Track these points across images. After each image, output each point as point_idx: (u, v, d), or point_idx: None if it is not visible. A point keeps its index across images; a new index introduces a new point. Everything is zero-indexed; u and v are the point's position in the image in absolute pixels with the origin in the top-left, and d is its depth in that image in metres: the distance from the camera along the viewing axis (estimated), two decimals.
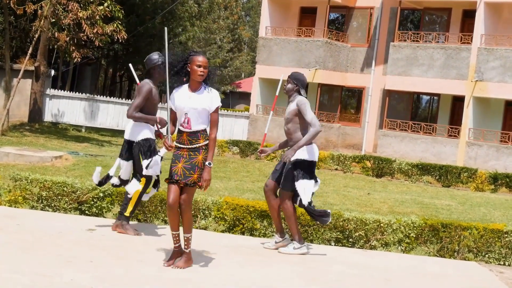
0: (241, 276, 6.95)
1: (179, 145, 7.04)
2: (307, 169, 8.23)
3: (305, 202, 8.15)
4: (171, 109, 7.03)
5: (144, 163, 8.34)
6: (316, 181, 8.33)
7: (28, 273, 6.12)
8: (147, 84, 8.46)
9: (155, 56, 8.61)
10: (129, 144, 8.53)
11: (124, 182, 8.58)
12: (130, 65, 9.78)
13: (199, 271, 6.91)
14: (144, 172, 8.34)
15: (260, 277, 7.02)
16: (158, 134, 8.43)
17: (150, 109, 8.53)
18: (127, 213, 8.41)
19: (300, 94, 8.44)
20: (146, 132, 8.45)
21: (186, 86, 7.06)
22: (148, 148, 8.39)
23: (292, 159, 8.18)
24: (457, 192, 19.84)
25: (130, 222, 8.75)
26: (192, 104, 6.98)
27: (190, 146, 7.03)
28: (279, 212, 8.44)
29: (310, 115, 8.23)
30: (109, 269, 6.60)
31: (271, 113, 9.20)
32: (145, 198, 8.60)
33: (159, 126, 8.42)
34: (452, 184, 21.16)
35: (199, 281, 6.56)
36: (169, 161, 7.46)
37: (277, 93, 9.15)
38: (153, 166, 8.35)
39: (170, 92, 7.01)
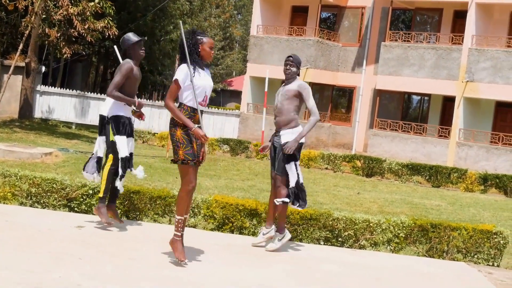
0: (230, 275, 6.94)
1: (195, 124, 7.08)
2: (297, 150, 8.33)
3: (295, 181, 8.26)
4: (179, 85, 7.01)
5: (117, 140, 8.41)
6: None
7: (17, 270, 6.09)
8: (127, 63, 8.54)
9: (129, 35, 8.72)
10: (102, 119, 8.62)
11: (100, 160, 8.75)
12: (115, 46, 9.80)
13: (187, 269, 6.89)
14: (121, 153, 8.41)
15: (250, 276, 7.01)
16: (139, 115, 8.70)
17: (130, 88, 8.62)
18: (100, 194, 8.47)
19: (298, 75, 8.60)
20: (119, 109, 8.52)
21: (185, 65, 7.07)
22: (118, 125, 8.46)
23: (282, 142, 8.27)
24: (447, 192, 19.89)
25: (124, 220, 8.73)
26: (210, 82, 7.22)
27: (199, 125, 7.10)
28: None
29: (312, 102, 8.38)
30: (98, 266, 6.58)
31: (265, 110, 9.20)
32: (140, 175, 8.62)
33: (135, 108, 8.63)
34: (442, 184, 21.21)
35: (188, 279, 6.55)
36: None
37: (266, 89, 9.17)
38: (122, 146, 8.42)
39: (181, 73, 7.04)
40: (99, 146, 8.71)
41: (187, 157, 6.95)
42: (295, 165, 8.31)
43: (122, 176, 8.48)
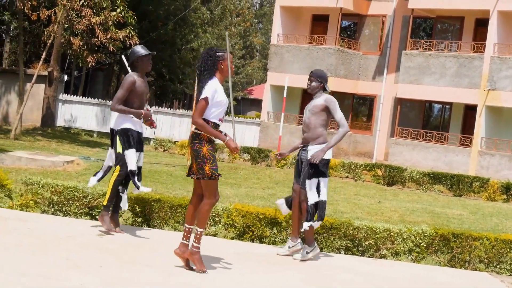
0: (249, 283, 6.94)
1: (214, 140, 7.13)
2: (324, 167, 8.34)
3: (314, 201, 8.25)
4: (208, 103, 7.03)
5: (126, 154, 8.49)
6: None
7: (36, 276, 6.13)
8: (130, 77, 8.68)
9: (138, 48, 8.85)
10: (112, 132, 8.74)
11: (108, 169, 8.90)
12: (123, 56, 9.90)
13: (208, 277, 6.90)
14: (129, 166, 8.50)
15: (269, 284, 7.01)
16: (150, 123, 8.81)
17: (135, 101, 8.69)
18: (104, 202, 8.54)
19: (325, 90, 8.61)
20: (127, 123, 8.61)
21: (217, 80, 7.15)
22: (127, 138, 8.54)
23: (309, 157, 8.29)
24: (469, 201, 19.76)
25: (142, 228, 8.76)
26: (227, 98, 7.25)
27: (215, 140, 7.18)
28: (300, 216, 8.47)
29: (339, 115, 8.39)
30: (117, 273, 6.60)
31: (283, 115, 9.24)
32: (145, 189, 8.67)
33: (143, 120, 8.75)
34: (463, 193, 21.07)
35: (205, 286, 6.56)
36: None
37: (284, 95, 9.23)
38: (130, 159, 8.50)
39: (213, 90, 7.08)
40: (110, 158, 8.82)
41: (214, 172, 6.99)
42: (318, 182, 8.29)
43: (127, 187, 8.70)
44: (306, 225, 8.21)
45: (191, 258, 7.08)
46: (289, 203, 8.59)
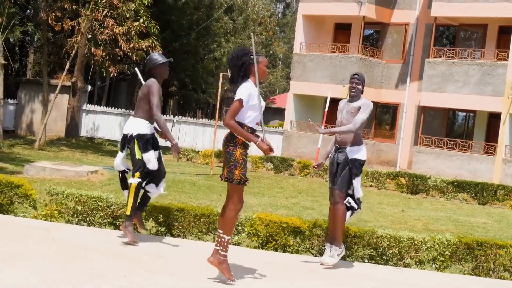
0: None
1: (249, 143, 7.10)
2: (361, 168, 8.54)
3: (359, 195, 8.57)
4: (242, 105, 6.99)
5: (144, 156, 8.51)
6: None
7: (61, 285, 6.17)
8: (155, 83, 8.67)
9: (156, 56, 8.89)
10: (125, 138, 8.71)
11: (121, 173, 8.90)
12: (137, 69, 10.01)
13: (235, 287, 6.91)
14: (150, 166, 8.54)
15: None
16: (165, 137, 8.77)
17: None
18: (127, 212, 8.49)
19: (362, 92, 8.80)
20: (144, 127, 8.61)
21: (252, 83, 7.10)
22: (145, 142, 8.55)
23: (351, 157, 8.48)
24: (493, 209, 19.61)
25: (166, 238, 8.79)
26: (263, 102, 7.23)
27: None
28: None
29: (362, 116, 8.54)
30: (141, 282, 6.63)
31: (322, 128, 9.35)
32: (153, 195, 8.74)
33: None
34: (488, 201, 20.92)
35: None
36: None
37: (326, 109, 9.28)
38: (150, 160, 8.52)
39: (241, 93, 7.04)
40: (122, 162, 8.83)
41: (243, 177, 6.96)
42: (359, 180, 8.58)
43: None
44: (349, 215, 8.60)
45: (219, 267, 7.03)
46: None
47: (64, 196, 9.37)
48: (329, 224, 8.70)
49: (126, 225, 8.50)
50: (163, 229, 9.31)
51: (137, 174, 8.56)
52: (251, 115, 7.05)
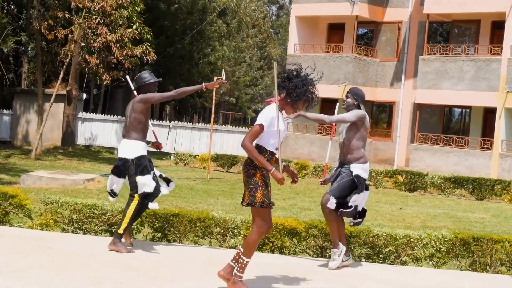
0: None
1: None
2: (362, 185, 8.50)
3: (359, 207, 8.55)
4: (263, 129, 6.84)
5: (140, 179, 8.48)
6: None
7: None
8: (141, 95, 8.68)
9: (145, 74, 8.89)
10: (122, 161, 8.64)
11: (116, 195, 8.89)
12: (127, 76, 10.05)
13: None
14: (146, 189, 8.50)
15: None
16: (157, 145, 9.00)
17: (146, 124, 8.73)
18: (120, 230, 8.42)
19: (359, 108, 8.75)
20: (140, 150, 8.62)
21: (275, 108, 6.92)
22: (142, 166, 8.54)
23: (355, 173, 8.47)
24: (491, 204, 19.64)
25: (162, 243, 8.80)
26: (285, 127, 7.14)
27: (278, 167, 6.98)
28: (337, 225, 8.53)
29: (345, 115, 8.61)
30: None
31: (330, 143, 9.35)
32: (154, 206, 8.71)
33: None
34: (485, 196, 20.95)
35: None
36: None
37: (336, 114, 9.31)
38: (147, 183, 8.50)
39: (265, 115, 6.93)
40: (117, 186, 8.77)
41: (265, 200, 6.82)
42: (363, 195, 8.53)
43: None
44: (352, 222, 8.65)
45: (232, 287, 6.88)
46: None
47: (59, 205, 9.37)
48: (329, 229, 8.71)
49: (115, 242, 8.39)
50: (159, 234, 9.31)
51: (136, 196, 8.54)
52: (270, 140, 6.91)
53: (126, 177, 8.64)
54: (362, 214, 8.66)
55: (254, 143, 6.83)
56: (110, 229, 9.31)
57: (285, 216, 12.65)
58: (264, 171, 6.82)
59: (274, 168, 6.78)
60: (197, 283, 7.14)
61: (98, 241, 8.88)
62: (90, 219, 9.31)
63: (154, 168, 8.77)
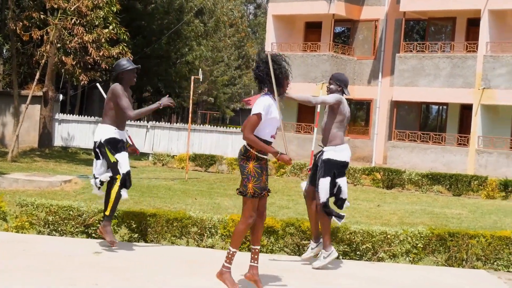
0: None
1: (264, 156, 7.00)
2: (339, 168, 8.46)
3: (322, 198, 8.36)
4: (260, 119, 6.94)
5: (117, 156, 8.57)
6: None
7: None
8: (116, 85, 8.73)
9: (124, 61, 8.92)
10: (96, 144, 8.75)
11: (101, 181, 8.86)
12: (98, 84, 10.09)
13: None
14: (124, 169, 8.59)
15: None
16: (133, 149, 8.98)
17: (121, 112, 8.70)
18: (107, 212, 8.56)
19: (343, 93, 8.85)
20: (111, 132, 8.67)
21: (269, 97, 7.05)
22: (114, 145, 8.61)
23: (324, 157, 8.42)
24: (468, 200, 19.77)
25: (139, 244, 8.78)
26: (281, 116, 7.15)
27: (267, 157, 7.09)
28: (316, 217, 8.52)
29: (326, 97, 8.62)
30: None
31: (315, 130, 9.35)
32: (124, 195, 8.72)
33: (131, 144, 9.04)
34: (462, 192, 21.08)
35: None
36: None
37: (318, 110, 9.30)
38: (123, 163, 8.56)
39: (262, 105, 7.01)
40: (100, 169, 8.81)
41: (257, 190, 6.87)
42: (336, 183, 8.44)
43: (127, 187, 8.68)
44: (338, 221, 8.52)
45: (220, 278, 6.94)
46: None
47: (35, 207, 9.31)
48: (310, 222, 8.71)
49: (105, 225, 8.53)
50: (136, 235, 9.28)
51: (119, 176, 8.58)
52: (268, 128, 7.00)
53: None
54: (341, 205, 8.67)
55: (257, 133, 6.98)
56: (86, 230, 9.27)
57: None
58: (256, 161, 6.91)
59: (280, 153, 6.94)
60: (173, 283, 7.12)
61: (74, 243, 8.84)
62: (66, 221, 9.25)
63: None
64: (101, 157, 8.76)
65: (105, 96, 9.12)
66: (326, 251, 8.37)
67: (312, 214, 8.59)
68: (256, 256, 7.03)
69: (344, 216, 8.56)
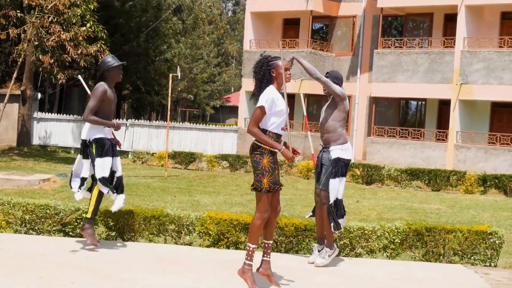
0: None
1: (276, 150, 6.95)
2: (344, 168, 8.38)
3: (332, 198, 8.25)
4: (264, 112, 6.89)
5: (97, 162, 8.50)
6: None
7: None
8: (101, 86, 8.67)
9: (109, 59, 8.87)
10: (84, 143, 8.71)
11: (84, 180, 8.82)
12: (79, 76, 10.06)
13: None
14: (97, 175, 8.53)
15: None
16: (116, 142, 8.87)
17: (106, 110, 8.73)
18: (88, 215, 8.51)
19: None
20: (99, 133, 8.63)
21: (274, 89, 7.02)
22: (102, 147, 8.56)
23: (334, 157, 8.31)
24: (447, 195, 19.88)
25: (117, 242, 8.77)
26: (288, 107, 7.09)
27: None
28: (323, 220, 8.46)
29: (329, 81, 8.57)
30: None
31: (309, 133, 9.34)
32: (117, 204, 8.73)
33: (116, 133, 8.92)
34: (441, 188, 21.19)
35: None
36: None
37: (304, 113, 9.27)
38: (103, 167, 8.52)
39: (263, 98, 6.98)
40: (83, 168, 8.77)
41: (271, 186, 6.85)
42: (340, 181, 8.32)
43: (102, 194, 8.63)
44: (335, 229, 8.32)
45: (242, 276, 6.94)
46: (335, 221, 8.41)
47: (11, 205, 9.25)
48: (316, 224, 8.66)
49: (85, 228, 8.48)
50: (113, 233, 9.25)
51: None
52: (275, 121, 6.95)
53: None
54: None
55: (266, 126, 6.95)
56: (63, 229, 9.22)
57: (243, 212, 12.66)
58: (270, 156, 6.87)
59: (284, 147, 6.93)
60: (149, 281, 7.11)
61: (51, 242, 8.80)
62: (43, 220, 9.21)
63: (119, 167, 8.77)
64: (83, 154, 8.75)
65: (87, 89, 9.15)
66: (331, 249, 8.40)
67: (319, 217, 8.52)
68: (268, 251, 7.06)
69: (341, 228, 8.42)
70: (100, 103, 8.61)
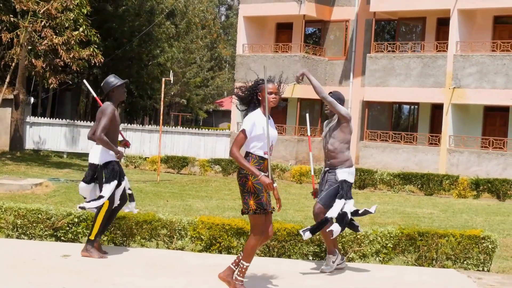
0: None
1: (264, 172, 6.91)
2: (349, 190, 8.35)
3: (330, 215, 8.15)
4: (246, 136, 6.89)
5: (105, 187, 8.40)
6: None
7: None
8: (110, 106, 8.57)
9: (111, 79, 8.77)
10: (93, 167, 8.59)
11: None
12: (85, 80, 10.03)
13: None
14: (105, 195, 8.43)
15: None
16: (125, 143, 9.02)
17: (114, 132, 8.65)
18: (91, 237, 8.39)
19: None
20: (108, 156, 8.56)
21: (260, 112, 7.00)
22: (111, 171, 8.49)
23: (341, 178, 8.26)
24: (440, 200, 19.89)
25: (109, 246, 8.73)
26: (274, 132, 7.09)
27: (266, 173, 6.93)
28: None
29: (335, 101, 8.61)
30: None
31: (311, 154, 9.32)
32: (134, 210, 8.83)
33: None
34: (434, 192, 21.21)
35: None
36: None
37: (308, 133, 9.23)
38: (111, 190, 8.46)
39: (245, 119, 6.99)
40: (91, 192, 8.69)
41: (259, 206, 6.83)
42: (344, 203, 8.25)
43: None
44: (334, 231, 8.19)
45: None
46: (313, 230, 8.27)
47: (3, 210, 9.23)
48: (324, 240, 8.61)
49: (88, 249, 8.34)
50: (105, 238, 9.21)
51: (106, 202, 8.44)
52: (256, 145, 6.93)
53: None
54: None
55: (248, 149, 6.94)
56: (55, 233, 9.20)
57: (235, 217, 12.64)
58: (255, 177, 6.79)
59: (262, 174, 6.79)
60: (141, 285, 7.08)
61: (42, 246, 8.77)
62: (34, 224, 9.18)
63: (126, 179, 8.74)
64: (86, 179, 8.64)
65: (93, 93, 9.14)
66: (334, 255, 8.39)
67: (325, 232, 8.46)
68: (239, 264, 7.04)
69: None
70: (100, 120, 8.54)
